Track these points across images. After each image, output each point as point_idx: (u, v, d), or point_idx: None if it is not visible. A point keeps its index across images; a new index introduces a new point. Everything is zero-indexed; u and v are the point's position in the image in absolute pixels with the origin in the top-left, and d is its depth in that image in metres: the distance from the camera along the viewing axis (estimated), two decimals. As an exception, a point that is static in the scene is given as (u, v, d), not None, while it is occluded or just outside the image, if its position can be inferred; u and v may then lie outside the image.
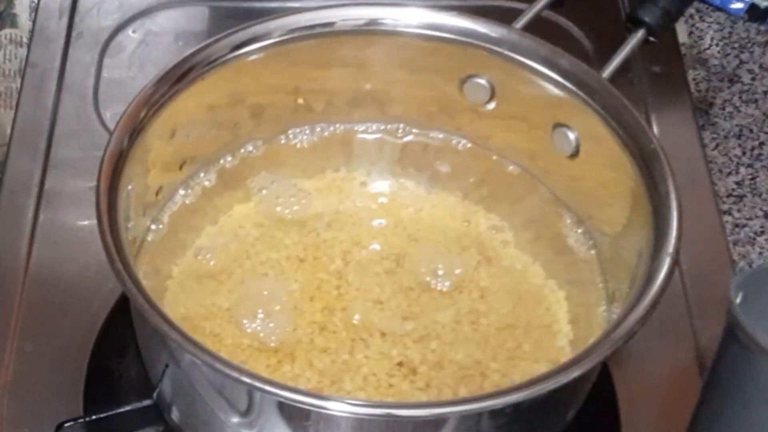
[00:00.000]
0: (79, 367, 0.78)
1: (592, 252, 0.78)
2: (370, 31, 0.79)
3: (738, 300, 0.60)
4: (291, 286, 0.77)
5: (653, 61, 0.96)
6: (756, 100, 1.00)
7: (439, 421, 0.64)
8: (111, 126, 0.81)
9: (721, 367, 0.63)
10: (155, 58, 0.97)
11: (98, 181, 0.69)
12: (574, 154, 0.78)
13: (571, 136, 0.77)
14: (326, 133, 0.83)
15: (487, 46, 0.78)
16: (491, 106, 0.80)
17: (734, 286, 0.61)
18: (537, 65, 0.77)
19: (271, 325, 0.75)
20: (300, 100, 0.82)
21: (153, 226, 0.77)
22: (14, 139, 0.91)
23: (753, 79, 1.02)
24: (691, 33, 1.05)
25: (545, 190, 0.81)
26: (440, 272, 0.78)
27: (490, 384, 0.73)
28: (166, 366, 0.69)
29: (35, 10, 1.00)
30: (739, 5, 1.06)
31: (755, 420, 0.62)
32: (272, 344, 0.74)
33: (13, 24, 1.04)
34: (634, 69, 0.95)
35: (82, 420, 0.74)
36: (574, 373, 0.63)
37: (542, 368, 0.73)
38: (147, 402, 0.74)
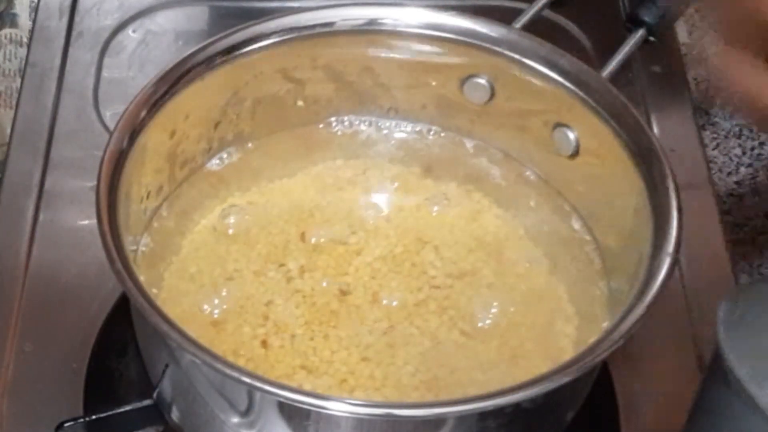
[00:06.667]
0: (79, 367, 0.78)
1: (594, 251, 0.78)
2: (370, 31, 0.79)
3: (728, 319, 0.56)
4: (290, 286, 0.77)
5: (653, 61, 0.96)
6: (756, 100, 1.00)
7: (439, 421, 0.64)
8: (111, 126, 0.81)
9: (702, 407, 0.60)
10: (155, 58, 0.97)
11: (98, 181, 0.68)
12: (574, 154, 0.78)
13: (571, 136, 0.77)
14: (326, 133, 0.83)
15: (487, 46, 0.78)
16: (491, 106, 0.80)
17: (723, 310, 0.57)
18: (537, 65, 0.77)
19: (270, 324, 0.75)
20: (299, 101, 0.82)
21: (153, 225, 0.77)
22: (14, 139, 0.91)
23: (753, 79, 1.02)
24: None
25: (547, 189, 0.81)
26: (444, 270, 0.78)
27: (493, 383, 0.73)
28: (166, 366, 0.69)
29: (35, 10, 1.00)
30: (739, 5, 1.06)
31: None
32: (271, 345, 0.74)
33: (13, 24, 1.04)
34: (634, 69, 0.95)
35: (82, 420, 0.74)
36: (574, 373, 0.63)
37: (543, 368, 0.73)
38: (147, 402, 0.73)
